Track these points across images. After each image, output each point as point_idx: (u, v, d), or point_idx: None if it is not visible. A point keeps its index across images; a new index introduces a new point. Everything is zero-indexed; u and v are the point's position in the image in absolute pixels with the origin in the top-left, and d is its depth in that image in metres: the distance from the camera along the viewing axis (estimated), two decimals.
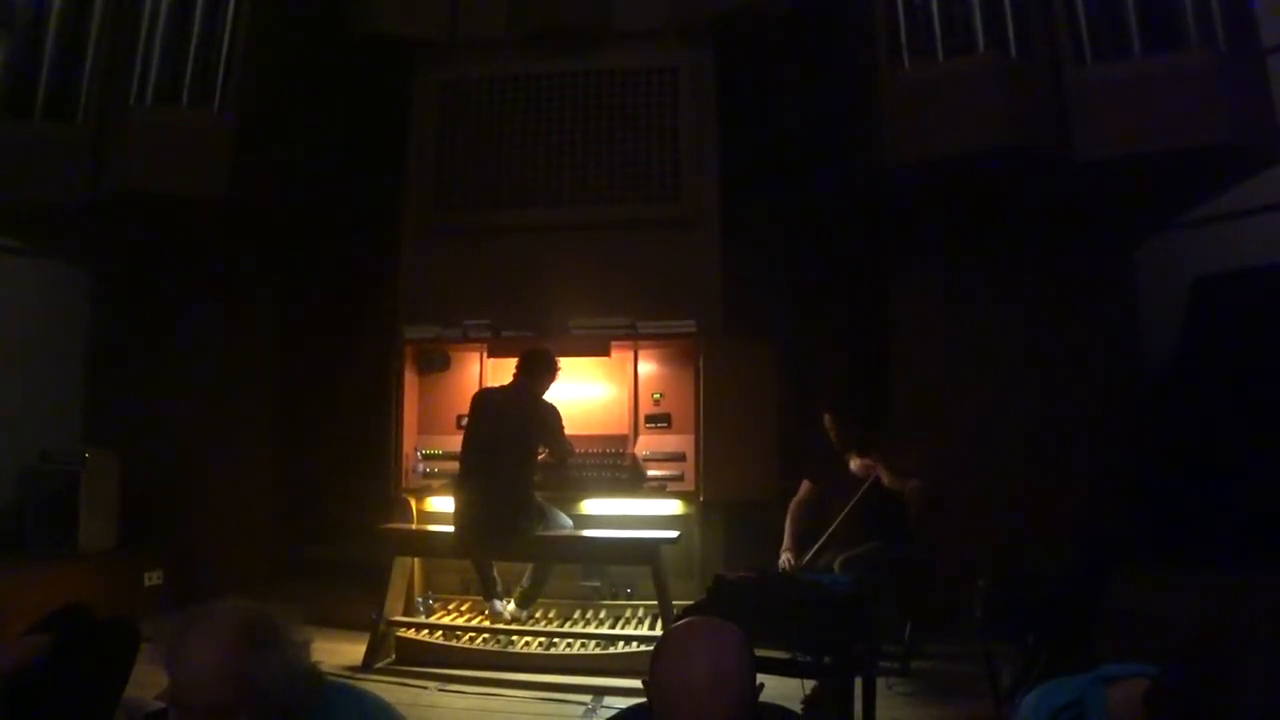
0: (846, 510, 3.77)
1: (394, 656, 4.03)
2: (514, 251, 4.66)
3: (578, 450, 4.14)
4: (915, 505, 3.77)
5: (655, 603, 3.84)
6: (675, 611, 3.48)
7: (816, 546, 3.82)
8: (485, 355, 4.50)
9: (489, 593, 4.05)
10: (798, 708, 2.30)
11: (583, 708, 3.40)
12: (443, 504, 4.23)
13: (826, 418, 3.97)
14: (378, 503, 4.43)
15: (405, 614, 4.14)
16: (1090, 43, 3.95)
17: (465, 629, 4.02)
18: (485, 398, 4.07)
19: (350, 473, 4.99)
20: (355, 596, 4.38)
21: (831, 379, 5.22)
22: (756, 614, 2.50)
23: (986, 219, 4.63)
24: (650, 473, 4.24)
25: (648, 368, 4.46)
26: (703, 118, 4.66)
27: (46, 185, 4.50)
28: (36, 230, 5.14)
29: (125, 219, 4.76)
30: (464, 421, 4.17)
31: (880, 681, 3.01)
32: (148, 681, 1.87)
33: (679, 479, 4.21)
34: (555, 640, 3.92)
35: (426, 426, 4.52)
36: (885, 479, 3.75)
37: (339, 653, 3.99)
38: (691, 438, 4.18)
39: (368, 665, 3.87)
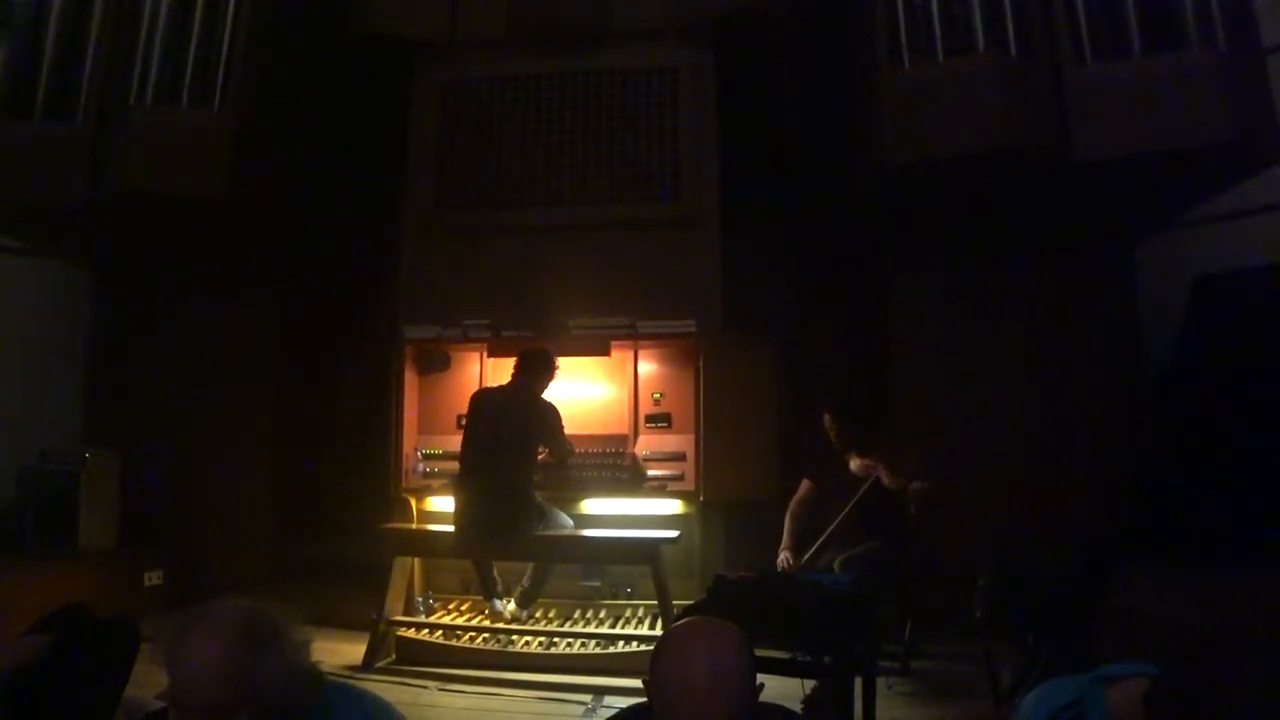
0: (846, 510, 3.77)
1: (394, 656, 4.03)
2: (514, 251, 4.66)
3: (578, 450, 4.14)
4: (916, 505, 3.77)
5: (655, 603, 3.84)
6: (675, 611, 3.48)
7: (816, 546, 3.82)
8: (485, 355, 4.50)
9: (489, 592, 4.05)
10: (798, 708, 2.30)
11: (583, 708, 3.40)
12: (443, 504, 4.23)
13: (826, 418, 3.97)
14: (378, 503, 4.43)
15: (405, 614, 4.13)
16: (1090, 43, 3.96)
17: (465, 629, 4.02)
18: (484, 398, 4.07)
19: (350, 473, 4.98)
20: (355, 596, 4.37)
21: (831, 379, 5.22)
22: (756, 614, 2.50)
23: (986, 219, 4.63)
24: (650, 472, 4.24)
25: (648, 368, 4.46)
26: (703, 118, 4.66)
27: (46, 185, 4.49)
28: (36, 230, 5.14)
29: (125, 219, 4.75)
30: (464, 421, 4.16)
31: (880, 681, 3.01)
32: (148, 681, 1.87)
33: (679, 479, 4.21)
34: (555, 640, 3.92)
35: (426, 426, 4.52)
36: (885, 479, 3.75)
37: (339, 653, 3.99)
38: (691, 437, 4.18)
39: (368, 665, 3.87)
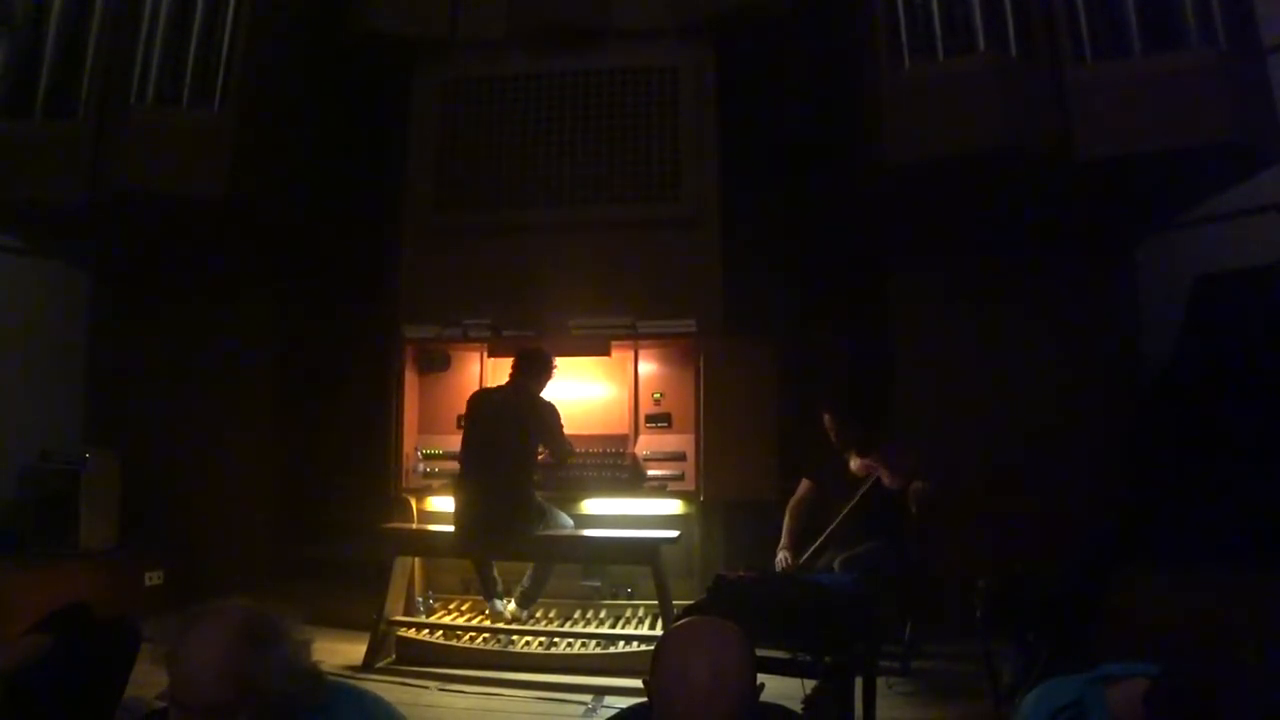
0: (846, 510, 3.77)
1: (394, 656, 4.03)
2: (514, 251, 4.65)
3: (578, 450, 4.14)
4: (916, 505, 3.77)
5: (655, 603, 3.84)
6: (675, 611, 3.48)
7: (815, 546, 3.82)
8: (485, 355, 4.50)
9: (489, 592, 4.05)
10: (798, 708, 2.30)
11: (583, 708, 3.40)
12: (443, 504, 4.23)
13: (826, 418, 3.96)
14: (378, 503, 4.43)
15: (405, 614, 4.13)
16: (1090, 42, 3.95)
17: (465, 629, 4.02)
18: (483, 398, 4.07)
19: (350, 473, 4.99)
20: (355, 596, 4.38)
21: (831, 379, 5.22)
22: (756, 614, 2.50)
23: (986, 218, 4.63)
24: (650, 472, 4.24)
25: (648, 367, 4.46)
26: (703, 117, 4.66)
27: (46, 185, 4.50)
28: (36, 230, 5.14)
29: (125, 219, 4.75)
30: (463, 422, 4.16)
31: (880, 681, 3.01)
32: (148, 681, 1.87)
33: (679, 479, 4.20)
34: (555, 640, 3.92)
35: (426, 426, 4.52)
36: (885, 479, 3.75)
37: (339, 653, 3.99)
38: (691, 437, 4.18)
39: (368, 665, 3.87)
